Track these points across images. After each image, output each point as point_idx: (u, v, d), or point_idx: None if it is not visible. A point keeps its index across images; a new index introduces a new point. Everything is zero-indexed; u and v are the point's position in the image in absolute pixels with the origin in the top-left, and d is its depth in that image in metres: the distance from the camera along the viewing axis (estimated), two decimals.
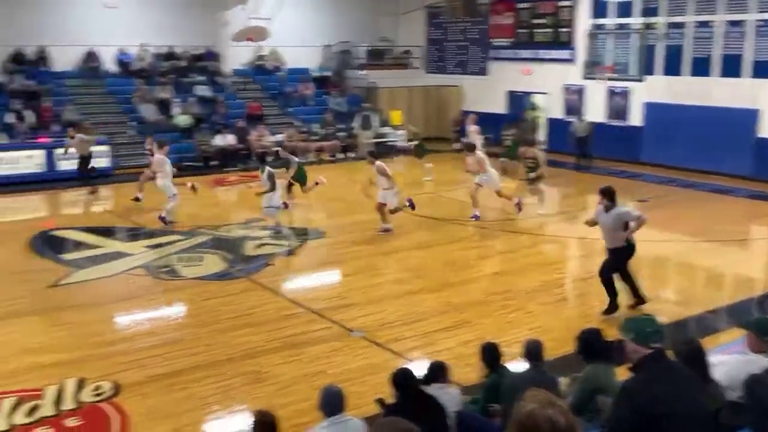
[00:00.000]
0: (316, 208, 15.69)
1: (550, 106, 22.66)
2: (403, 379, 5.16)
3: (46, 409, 6.69)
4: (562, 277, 11.10)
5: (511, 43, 23.58)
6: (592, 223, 9.18)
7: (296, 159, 15.59)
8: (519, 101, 23.74)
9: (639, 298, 8.99)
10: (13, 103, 19.49)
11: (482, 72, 24.61)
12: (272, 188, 12.88)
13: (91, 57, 21.67)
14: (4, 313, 9.21)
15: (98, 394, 6.98)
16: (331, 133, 22.12)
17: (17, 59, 20.55)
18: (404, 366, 5.93)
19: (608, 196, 8.71)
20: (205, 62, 23.34)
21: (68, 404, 6.80)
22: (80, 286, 10.44)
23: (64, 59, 21.22)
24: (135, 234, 13.09)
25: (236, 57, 23.76)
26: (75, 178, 16.86)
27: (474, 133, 18.61)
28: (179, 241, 12.51)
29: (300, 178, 14.98)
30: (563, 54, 21.96)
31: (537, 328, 8.27)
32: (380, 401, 5.46)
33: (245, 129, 20.85)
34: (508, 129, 19.57)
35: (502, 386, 5.44)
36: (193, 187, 14.40)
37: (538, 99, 23.43)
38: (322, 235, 13.04)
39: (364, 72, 25.08)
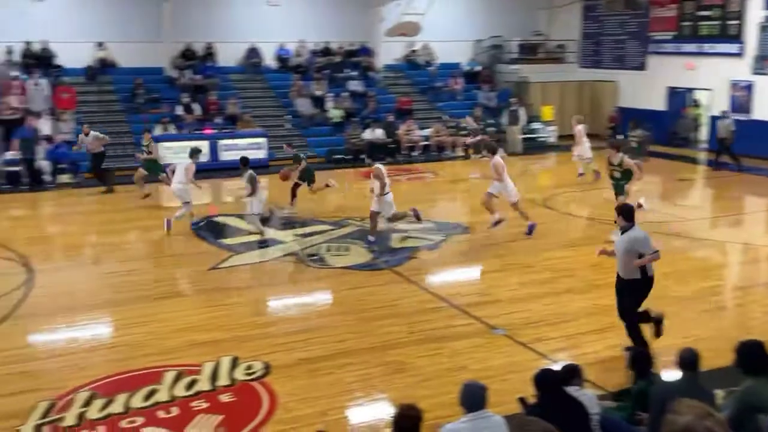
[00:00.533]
0: (461, 203, 15.66)
1: (713, 103, 21.38)
2: (544, 379, 5.08)
3: (203, 384, 7.12)
4: (721, 285, 10.46)
5: (673, 36, 22.44)
6: (610, 252, 7.84)
7: (302, 156, 14.91)
8: (679, 98, 22.58)
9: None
10: (182, 97, 20.89)
11: (641, 67, 23.57)
12: (253, 192, 12.27)
13: (252, 53, 22.80)
14: (168, 293, 9.92)
15: (250, 373, 7.35)
16: (480, 128, 22.00)
17: (186, 55, 21.99)
18: (546, 367, 5.82)
19: (623, 214, 7.54)
20: (358, 58, 23.91)
21: (223, 381, 7.20)
22: (236, 270, 11.04)
23: (228, 55, 22.48)
24: (287, 222, 13.64)
25: (388, 52, 24.18)
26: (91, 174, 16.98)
27: (579, 135, 17.14)
28: (328, 231, 12.92)
29: (307, 176, 14.46)
30: (731, 48, 20.62)
31: (690, 337, 7.84)
32: (522, 400, 5.40)
33: (394, 123, 21.17)
34: (634, 129, 18.46)
35: (652, 394, 5.23)
36: (327, 185, 14.51)
37: (700, 95, 22.19)
38: (467, 231, 13.01)
39: (516, 66, 24.76)
